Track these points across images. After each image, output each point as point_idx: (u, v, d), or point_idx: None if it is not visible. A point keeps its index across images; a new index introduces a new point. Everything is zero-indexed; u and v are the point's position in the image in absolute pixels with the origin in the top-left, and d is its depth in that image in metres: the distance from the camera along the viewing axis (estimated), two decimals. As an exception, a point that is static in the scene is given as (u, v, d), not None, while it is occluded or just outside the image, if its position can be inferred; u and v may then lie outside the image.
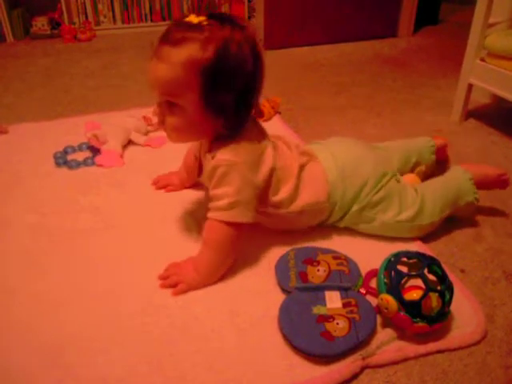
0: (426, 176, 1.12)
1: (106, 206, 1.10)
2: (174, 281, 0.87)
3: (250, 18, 2.69)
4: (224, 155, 0.84)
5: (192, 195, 1.14)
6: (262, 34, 2.33)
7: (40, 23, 2.49)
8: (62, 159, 1.28)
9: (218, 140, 0.87)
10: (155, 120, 1.43)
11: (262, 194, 0.89)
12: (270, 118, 1.55)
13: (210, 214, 0.87)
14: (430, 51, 2.30)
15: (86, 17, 2.56)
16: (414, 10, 2.47)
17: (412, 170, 1.13)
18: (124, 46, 2.42)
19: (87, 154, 1.33)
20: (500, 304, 0.84)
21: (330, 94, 1.80)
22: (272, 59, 2.21)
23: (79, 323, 0.80)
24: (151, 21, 2.66)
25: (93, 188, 1.17)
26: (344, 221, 0.99)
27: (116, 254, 0.96)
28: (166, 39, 0.79)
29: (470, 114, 1.57)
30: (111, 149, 1.29)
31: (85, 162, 1.25)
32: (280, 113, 1.60)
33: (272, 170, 0.89)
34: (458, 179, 1.03)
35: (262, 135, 0.91)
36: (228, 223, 0.85)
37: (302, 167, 0.95)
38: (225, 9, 2.74)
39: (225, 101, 0.80)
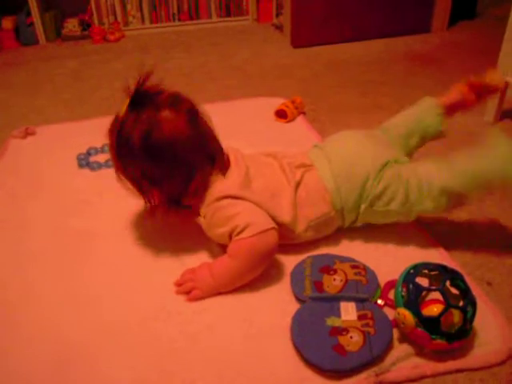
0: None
1: (125, 208, 1.10)
2: (188, 287, 0.86)
3: (277, 15, 2.66)
4: (208, 205, 0.89)
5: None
6: (289, 31, 2.30)
7: (71, 25, 2.54)
8: (85, 161, 1.30)
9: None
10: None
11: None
12: (293, 119, 1.53)
13: (234, 239, 0.85)
14: (465, 47, 2.20)
15: (115, 17, 2.60)
16: (449, 3, 2.36)
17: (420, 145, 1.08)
18: (152, 45, 2.44)
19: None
20: (529, 321, 0.79)
21: (356, 94, 1.74)
22: (298, 58, 2.17)
23: (90, 330, 0.80)
24: (179, 20, 2.67)
25: (112, 190, 1.17)
26: (358, 220, 0.96)
27: (133, 258, 0.96)
28: None
29: (504, 115, 1.49)
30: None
31: (106, 164, 1.26)
32: (305, 113, 1.57)
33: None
34: (501, 156, 0.87)
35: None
36: (253, 236, 0.83)
37: (297, 184, 0.93)
38: (252, 6, 2.72)
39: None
